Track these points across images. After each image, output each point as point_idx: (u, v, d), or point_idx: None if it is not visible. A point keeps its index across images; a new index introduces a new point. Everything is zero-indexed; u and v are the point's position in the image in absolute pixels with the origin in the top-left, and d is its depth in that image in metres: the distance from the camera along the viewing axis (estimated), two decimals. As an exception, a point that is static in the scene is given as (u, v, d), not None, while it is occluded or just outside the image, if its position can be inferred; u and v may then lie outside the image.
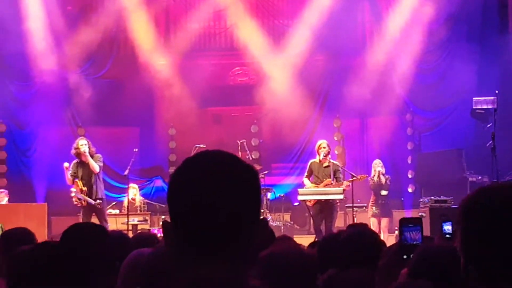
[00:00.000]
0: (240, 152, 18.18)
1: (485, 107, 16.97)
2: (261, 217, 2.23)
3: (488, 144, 14.56)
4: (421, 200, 17.34)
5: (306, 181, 15.64)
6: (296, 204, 18.63)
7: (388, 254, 4.42)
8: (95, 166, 14.74)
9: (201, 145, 18.09)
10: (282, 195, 18.33)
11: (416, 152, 20.44)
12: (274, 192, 17.94)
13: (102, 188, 15.12)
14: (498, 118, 15.37)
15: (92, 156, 14.85)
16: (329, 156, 15.56)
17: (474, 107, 17.46)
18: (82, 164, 14.89)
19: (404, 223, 4.29)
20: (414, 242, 4.20)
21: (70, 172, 14.85)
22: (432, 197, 16.37)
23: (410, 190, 20.08)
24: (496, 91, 15.35)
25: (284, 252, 3.66)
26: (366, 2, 21.08)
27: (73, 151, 15.00)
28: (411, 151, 20.44)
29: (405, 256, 4.06)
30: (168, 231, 2.16)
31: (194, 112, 20.94)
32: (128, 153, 17.50)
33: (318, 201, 15.08)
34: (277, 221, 17.72)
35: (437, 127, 20.27)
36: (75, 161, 15.00)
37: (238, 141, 18.47)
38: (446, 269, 3.54)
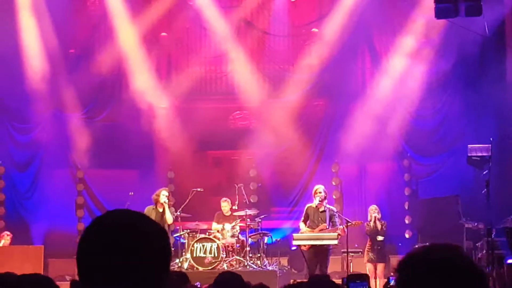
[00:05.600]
0: (237, 196, 18.27)
1: (480, 154, 17.03)
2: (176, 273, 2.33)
3: (483, 192, 14.58)
4: (417, 246, 17.31)
5: (301, 225, 15.73)
6: (293, 248, 18.61)
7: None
8: (170, 217, 15.63)
9: (199, 189, 18.21)
10: (278, 239, 18.33)
11: (413, 198, 20.46)
12: (271, 237, 17.94)
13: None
14: (494, 165, 15.42)
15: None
16: (326, 201, 15.66)
17: (469, 154, 17.52)
18: (156, 212, 15.60)
19: (352, 279, 4.34)
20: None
21: None
22: (427, 243, 16.32)
23: (407, 235, 20.06)
24: (491, 139, 15.42)
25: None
26: (366, 48, 21.27)
27: (154, 197, 16.07)
28: (409, 197, 20.45)
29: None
30: None
31: (194, 155, 21.09)
32: (127, 196, 17.58)
33: (313, 245, 15.16)
34: (273, 265, 17.69)
35: (435, 174, 20.32)
36: (150, 206, 15.84)
37: (236, 185, 18.55)
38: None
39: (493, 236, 14.08)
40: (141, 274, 2.24)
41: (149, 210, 15.83)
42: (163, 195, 15.86)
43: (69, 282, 5.96)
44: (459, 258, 2.46)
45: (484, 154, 16.67)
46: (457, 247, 2.53)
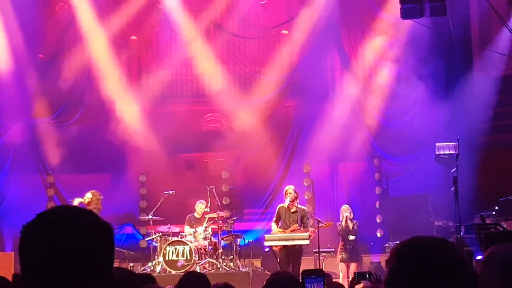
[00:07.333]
0: (209, 198, 18.28)
1: (448, 152, 17.16)
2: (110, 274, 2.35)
3: (452, 189, 14.70)
4: (387, 244, 17.45)
5: (273, 226, 15.81)
6: (266, 250, 18.65)
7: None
8: None
9: (170, 192, 18.20)
10: (251, 241, 18.35)
11: (384, 197, 20.60)
12: (243, 238, 17.98)
13: None
14: (463, 163, 15.54)
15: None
16: (297, 201, 15.71)
17: (437, 153, 17.65)
18: None
19: (307, 275, 4.38)
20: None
21: None
22: (398, 242, 16.44)
23: (378, 234, 20.19)
24: (458, 137, 15.55)
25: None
26: (335, 49, 21.37)
27: None
28: (379, 196, 20.59)
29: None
30: (18, 282, 2.29)
31: (166, 158, 21.04)
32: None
33: (285, 246, 15.23)
34: (246, 267, 17.72)
35: (405, 172, 20.46)
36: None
37: (208, 187, 18.56)
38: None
39: (462, 234, 14.19)
40: (82, 272, 2.26)
41: None
42: (85, 197, 15.62)
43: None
44: (449, 249, 2.55)
45: (452, 152, 16.81)
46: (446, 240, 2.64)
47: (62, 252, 2.24)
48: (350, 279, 15.97)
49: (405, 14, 15.00)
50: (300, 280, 4.52)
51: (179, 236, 17.40)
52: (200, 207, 17.92)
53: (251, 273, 17.05)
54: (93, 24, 20.70)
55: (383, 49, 20.56)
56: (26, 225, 2.33)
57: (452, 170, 15.58)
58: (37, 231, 2.29)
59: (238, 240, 17.86)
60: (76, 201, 15.48)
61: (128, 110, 21.02)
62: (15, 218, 19.60)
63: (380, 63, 20.70)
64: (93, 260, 2.28)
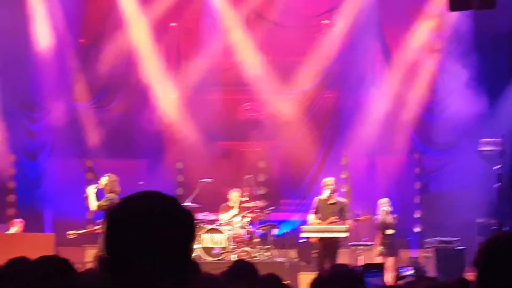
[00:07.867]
0: (247, 187, 18.19)
1: (491, 148, 16.91)
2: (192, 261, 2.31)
3: (495, 186, 14.48)
4: (427, 240, 17.24)
5: (310, 217, 15.67)
6: (302, 241, 18.53)
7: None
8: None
9: (207, 180, 18.14)
10: (287, 231, 18.24)
11: (424, 192, 20.33)
12: (279, 228, 17.89)
13: None
14: (506, 160, 15.32)
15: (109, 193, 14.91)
16: (336, 193, 15.58)
17: (481, 149, 17.41)
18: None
19: (367, 269, 4.34)
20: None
21: None
22: (438, 238, 16.28)
23: (417, 229, 19.95)
24: (502, 134, 15.32)
25: None
26: (377, 41, 21.13)
27: None
28: (419, 191, 20.34)
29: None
30: (104, 265, 2.26)
31: (203, 146, 20.98)
32: (136, 185, 17.52)
33: (322, 238, 15.09)
34: (281, 257, 17.63)
35: (446, 167, 20.13)
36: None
37: (245, 177, 18.48)
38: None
39: (504, 231, 13.96)
40: (161, 259, 2.28)
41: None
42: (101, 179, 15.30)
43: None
44: None
45: (496, 148, 16.57)
46: None
47: (142, 238, 2.24)
48: (390, 273, 15.90)
49: (453, 6, 14.72)
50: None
51: (216, 224, 17.35)
52: (234, 195, 17.82)
53: (286, 264, 16.96)
54: (134, 10, 20.69)
55: (426, 42, 20.29)
56: (112, 209, 2.34)
57: (496, 167, 15.35)
58: (117, 217, 2.30)
59: (274, 230, 17.79)
60: (91, 187, 15.21)
61: (167, 97, 21.02)
62: (55, 200, 19.76)
63: (422, 55, 20.41)
64: (173, 248, 2.31)
